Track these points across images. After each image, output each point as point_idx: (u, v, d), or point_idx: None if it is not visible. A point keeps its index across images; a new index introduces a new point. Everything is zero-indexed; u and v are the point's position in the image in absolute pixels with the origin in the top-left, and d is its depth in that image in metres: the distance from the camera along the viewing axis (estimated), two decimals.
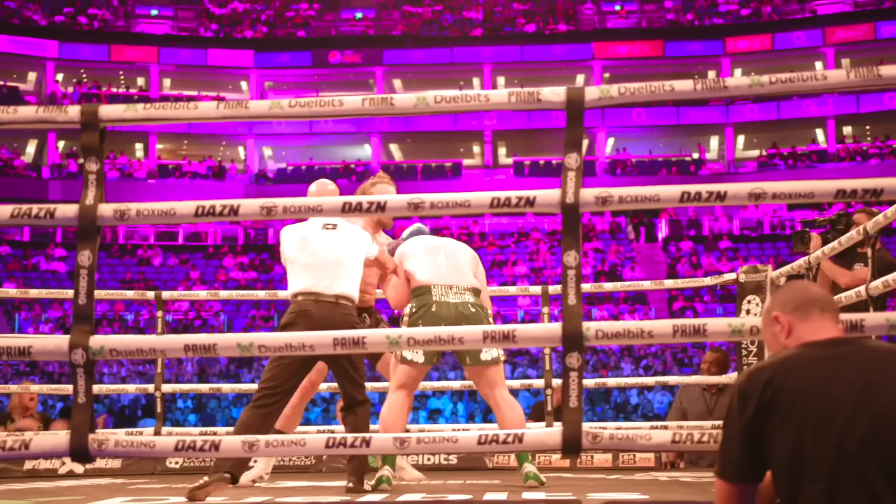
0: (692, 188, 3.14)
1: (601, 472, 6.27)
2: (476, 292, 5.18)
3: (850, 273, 5.98)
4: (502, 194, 3.24)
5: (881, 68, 3.06)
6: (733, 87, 3.24)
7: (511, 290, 7.64)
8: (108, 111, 3.22)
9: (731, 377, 7.11)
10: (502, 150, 34.81)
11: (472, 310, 5.06)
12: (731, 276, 6.86)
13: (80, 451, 3.07)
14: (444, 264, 5.20)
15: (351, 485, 4.91)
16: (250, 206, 3.26)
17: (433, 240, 5.41)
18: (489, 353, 5.02)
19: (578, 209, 3.11)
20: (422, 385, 8.56)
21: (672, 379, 7.00)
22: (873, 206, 6.21)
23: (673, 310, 24.20)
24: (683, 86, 3.21)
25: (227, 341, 3.19)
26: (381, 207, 3.27)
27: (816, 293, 2.39)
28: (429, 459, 7.00)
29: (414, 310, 5.10)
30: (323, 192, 5.32)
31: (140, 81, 34.42)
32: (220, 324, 24.28)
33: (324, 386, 7.47)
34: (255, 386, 8.59)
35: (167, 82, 34.81)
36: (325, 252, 5.01)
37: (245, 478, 5.49)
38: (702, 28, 33.76)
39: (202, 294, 8.01)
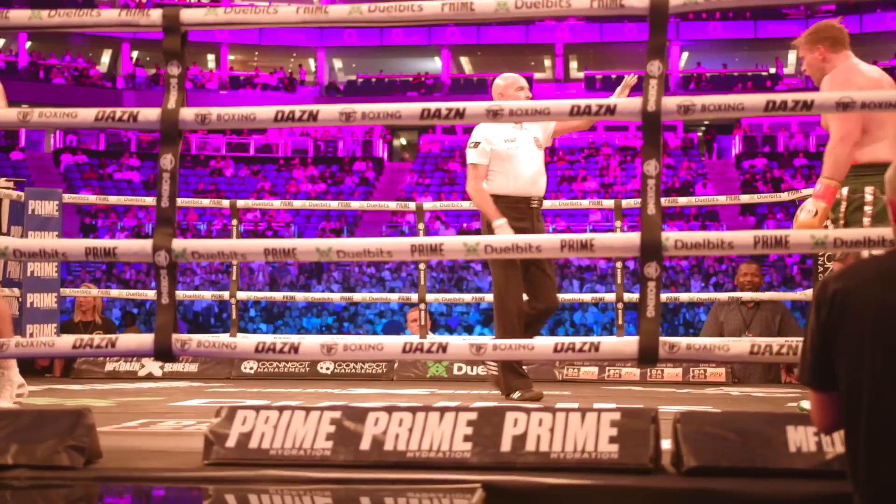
0: (777, 97, 3.06)
1: (672, 387, 6.27)
2: None
3: None
4: (582, 101, 3.18)
5: None
6: None
7: (583, 202, 7.56)
8: (189, 15, 3.22)
9: (771, 295, 7.02)
10: (573, 64, 34.31)
11: None
12: (809, 192, 6.73)
13: (163, 351, 3.14)
14: None
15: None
16: (329, 111, 3.26)
17: None
18: None
19: (660, 117, 3.05)
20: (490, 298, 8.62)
21: (745, 295, 6.93)
22: None
23: (745, 227, 23.90)
24: None
25: (307, 246, 3.21)
26: (459, 115, 3.24)
27: None
28: None
29: (872, 200, 4.44)
30: (513, 84, 5.45)
31: None
32: (291, 235, 24.55)
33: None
34: (325, 295, 8.73)
35: None
36: (520, 156, 5.31)
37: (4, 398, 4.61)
38: None
39: (276, 203, 8.08)
